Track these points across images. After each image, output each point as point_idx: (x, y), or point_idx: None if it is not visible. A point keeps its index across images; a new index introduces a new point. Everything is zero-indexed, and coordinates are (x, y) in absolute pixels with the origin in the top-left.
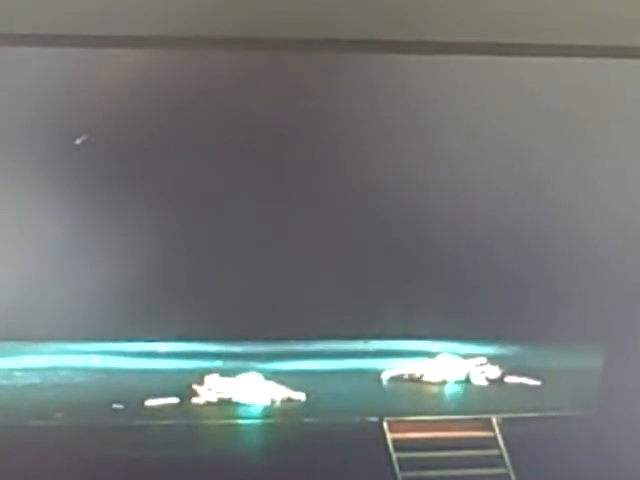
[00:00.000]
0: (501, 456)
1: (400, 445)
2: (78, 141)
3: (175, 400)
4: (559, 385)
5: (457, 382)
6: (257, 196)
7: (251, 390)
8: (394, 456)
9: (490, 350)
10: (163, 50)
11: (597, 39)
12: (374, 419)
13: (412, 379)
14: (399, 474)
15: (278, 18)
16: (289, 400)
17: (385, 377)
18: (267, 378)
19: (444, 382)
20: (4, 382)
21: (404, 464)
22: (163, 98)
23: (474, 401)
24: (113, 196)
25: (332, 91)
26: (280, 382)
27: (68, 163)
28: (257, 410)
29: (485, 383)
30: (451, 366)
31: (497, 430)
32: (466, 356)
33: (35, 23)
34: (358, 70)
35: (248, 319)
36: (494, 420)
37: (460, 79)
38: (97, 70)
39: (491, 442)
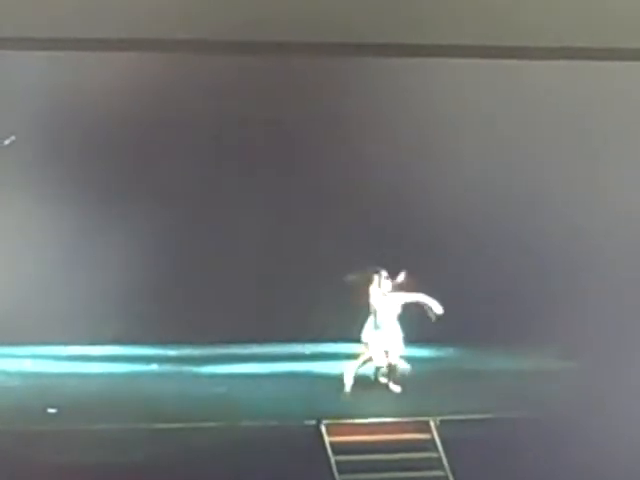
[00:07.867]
0: (439, 458)
1: (338, 448)
2: (7, 142)
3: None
4: (497, 388)
5: (394, 384)
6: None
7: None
8: (332, 459)
9: (427, 352)
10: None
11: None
12: (312, 422)
13: (351, 382)
14: (338, 477)
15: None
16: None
17: (323, 380)
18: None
19: (382, 384)
20: None
21: (343, 467)
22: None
23: (412, 403)
24: (43, 201)
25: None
26: (216, 385)
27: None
28: (193, 413)
29: (422, 385)
30: (388, 367)
31: (435, 432)
32: (404, 358)
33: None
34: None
35: (183, 323)
36: (431, 423)
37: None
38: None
39: (429, 444)
